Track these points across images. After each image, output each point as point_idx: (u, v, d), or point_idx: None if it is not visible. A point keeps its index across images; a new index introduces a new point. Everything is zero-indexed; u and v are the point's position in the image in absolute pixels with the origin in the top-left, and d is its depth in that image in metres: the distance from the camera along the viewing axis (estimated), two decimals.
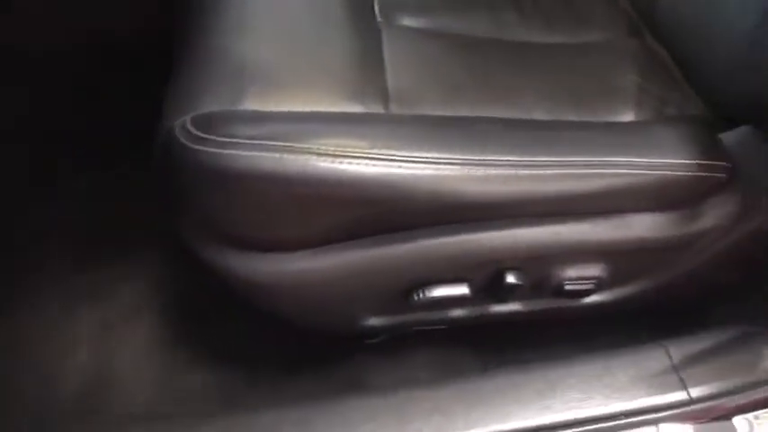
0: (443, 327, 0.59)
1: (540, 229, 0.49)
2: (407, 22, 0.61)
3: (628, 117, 0.56)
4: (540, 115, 0.53)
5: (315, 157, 0.41)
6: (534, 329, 0.63)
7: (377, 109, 0.49)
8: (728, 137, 0.52)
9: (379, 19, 0.60)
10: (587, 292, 0.55)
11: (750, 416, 0.47)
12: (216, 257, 0.48)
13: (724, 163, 0.50)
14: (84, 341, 0.65)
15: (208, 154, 0.41)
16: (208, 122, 0.43)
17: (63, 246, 0.72)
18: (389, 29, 0.59)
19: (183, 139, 0.42)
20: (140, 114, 0.54)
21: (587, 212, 0.49)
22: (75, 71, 0.82)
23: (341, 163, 0.42)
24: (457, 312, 0.56)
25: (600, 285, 0.55)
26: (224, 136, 0.42)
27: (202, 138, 0.42)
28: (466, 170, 0.44)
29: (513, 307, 0.56)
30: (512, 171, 0.44)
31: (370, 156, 0.42)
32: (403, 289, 0.50)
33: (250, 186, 0.42)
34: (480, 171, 0.44)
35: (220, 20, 0.55)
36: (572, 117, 0.54)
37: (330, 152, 0.42)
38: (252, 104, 0.46)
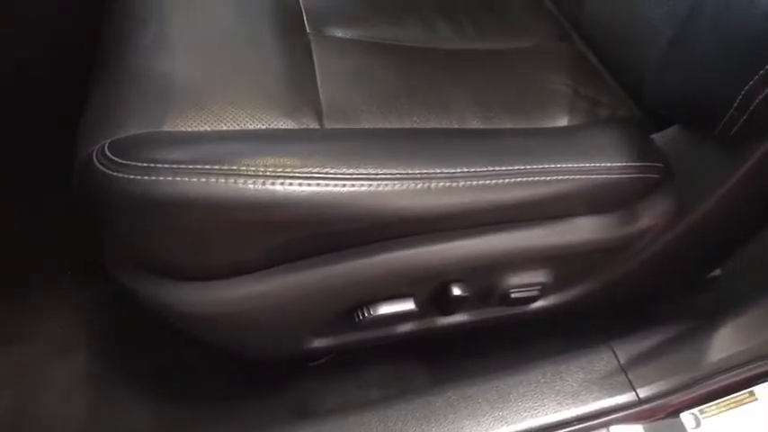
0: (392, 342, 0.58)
1: (483, 239, 0.48)
2: (338, 33, 0.59)
3: (562, 121, 0.56)
4: (475, 124, 0.52)
5: (243, 180, 0.39)
6: (484, 339, 0.62)
7: (310, 124, 0.47)
8: (660, 137, 0.53)
9: (308, 30, 0.58)
10: (533, 299, 0.55)
11: (696, 410, 0.48)
12: (147, 288, 0.45)
13: (657, 163, 0.50)
14: (4, 384, 0.60)
15: (128, 181, 0.38)
16: (127, 147, 0.40)
17: None
18: (319, 41, 0.57)
19: (101, 166, 0.39)
20: (57, 143, 0.50)
21: (528, 219, 0.49)
22: None
23: (272, 184, 0.40)
24: (404, 327, 0.54)
25: (545, 290, 0.55)
26: (145, 161, 0.39)
27: (122, 164, 0.39)
28: (404, 185, 0.42)
29: (460, 318, 0.55)
30: (451, 183, 0.43)
31: (302, 175, 0.40)
32: (347, 309, 0.49)
33: (175, 214, 0.39)
34: (419, 185, 0.43)
35: (140, 38, 0.51)
36: (507, 124, 0.54)
37: (259, 173, 0.39)
38: (175, 126, 0.43)
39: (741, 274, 0.69)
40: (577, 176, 0.47)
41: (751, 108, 0.42)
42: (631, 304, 0.62)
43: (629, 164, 0.49)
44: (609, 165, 0.48)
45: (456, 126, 0.51)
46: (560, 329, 0.61)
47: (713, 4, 0.46)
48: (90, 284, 0.66)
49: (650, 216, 0.52)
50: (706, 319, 0.53)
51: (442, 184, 0.43)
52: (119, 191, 0.38)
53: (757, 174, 0.49)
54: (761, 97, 0.41)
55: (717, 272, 0.69)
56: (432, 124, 0.51)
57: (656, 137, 0.54)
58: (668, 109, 0.52)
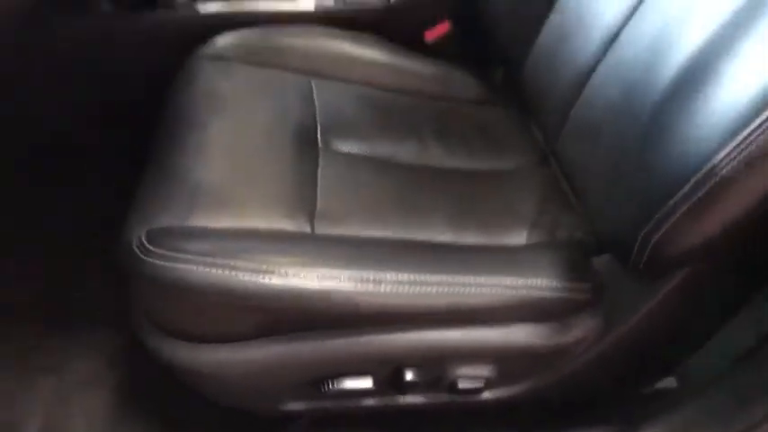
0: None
1: (433, 333, 0.58)
2: (343, 148, 0.73)
3: (522, 239, 0.66)
4: (444, 237, 0.64)
5: (237, 273, 0.51)
6: (440, 419, 0.70)
7: (304, 227, 0.60)
8: (598, 260, 0.62)
9: (319, 145, 0.72)
10: (479, 390, 0.63)
11: None
12: (155, 343, 0.57)
13: (587, 285, 0.60)
14: (32, 412, 0.72)
15: (155, 266, 0.51)
16: (159, 237, 0.53)
17: (22, 321, 0.80)
18: (327, 155, 0.71)
19: (137, 251, 0.52)
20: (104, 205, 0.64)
21: (474, 322, 0.59)
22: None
23: (264, 278, 0.52)
24: (367, 401, 0.64)
25: (490, 384, 0.64)
26: (171, 250, 0.52)
27: (152, 251, 0.52)
28: (365, 286, 0.53)
29: (414, 399, 0.65)
30: (404, 288, 0.54)
31: (289, 273, 0.52)
32: (314, 379, 0.59)
33: (185, 294, 0.52)
34: (378, 287, 0.54)
35: (184, 141, 0.66)
36: (471, 239, 0.64)
37: (253, 268, 0.52)
38: (198, 221, 0.57)
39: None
40: (513, 291, 0.57)
41: (650, 247, 0.51)
42: (571, 403, 0.69)
43: (559, 284, 0.58)
44: (542, 283, 0.58)
45: (422, 238, 0.63)
46: (508, 418, 0.69)
47: (632, 152, 0.56)
48: (117, 330, 0.79)
49: (581, 329, 0.61)
50: (633, 422, 0.60)
51: (395, 288, 0.54)
52: (147, 272, 0.52)
53: (674, 300, 0.58)
54: (657, 237, 0.50)
55: (670, 380, 0.76)
56: (407, 234, 0.63)
57: (596, 259, 0.63)
58: (603, 238, 0.62)
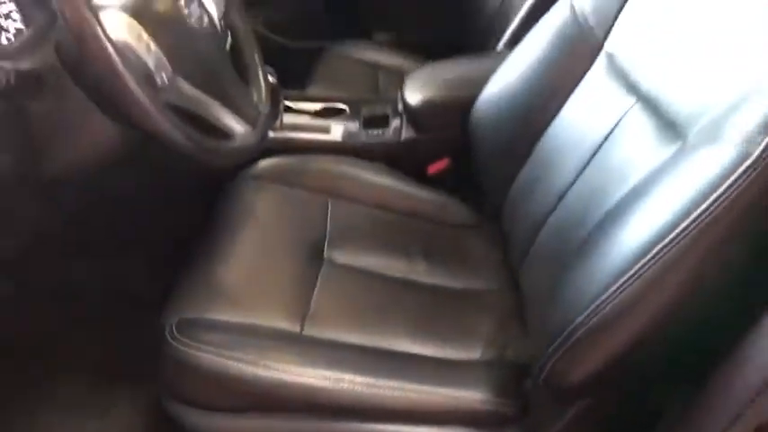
0: None
1: (384, 426, 0.73)
2: (344, 260, 0.91)
3: (476, 355, 0.81)
4: (408, 347, 0.79)
5: (239, 364, 0.69)
6: None
7: (295, 327, 0.78)
8: (530, 380, 0.76)
9: (324, 257, 0.91)
10: None
11: None
12: (173, 408, 0.75)
13: (515, 402, 0.73)
14: None
15: (178, 350, 0.70)
16: (186, 327, 0.73)
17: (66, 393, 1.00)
18: (328, 266, 0.89)
19: (169, 337, 0.71)
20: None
21: (417, 421, 0.73)
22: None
23: (257, 370, 0.69)
24: None
25: None
26: (192, 339, 0.71)
27: (179, 339, 0.71)
28: (334, 384, 0.70)
29: None
30: (362, 389, 0.70)
31: (276, 368, 0.70)
32: None
33: (196, 374, 0.70)
34: (345, 385, 0.70)
35: (215, 247, 0.86)
36: (430, 351, 0.80)
37: (251, 361, 0.69)
38: (215, 314, 0.76)
39: None
40: (449, 400, 0.71)
41: (548, 372, 0.64)
42: None
43: (490, 398, 0.72)
44: (474, 396, 0.72)
45: (389, 346, 0.78)
46: None
47: (554, 289, 0.70)
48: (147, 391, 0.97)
49: None
50: None
51: (353, 387, 0.70)
52: (174, 355, 0.70)
53: (582, 425, 0.70)
54: (551, 365, 0.63)
55: None
56: (377, 342, 0.78)
57: (529, 380, 0.77)
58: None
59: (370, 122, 1.17)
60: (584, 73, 0.86)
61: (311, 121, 1.18)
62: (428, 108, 1.08)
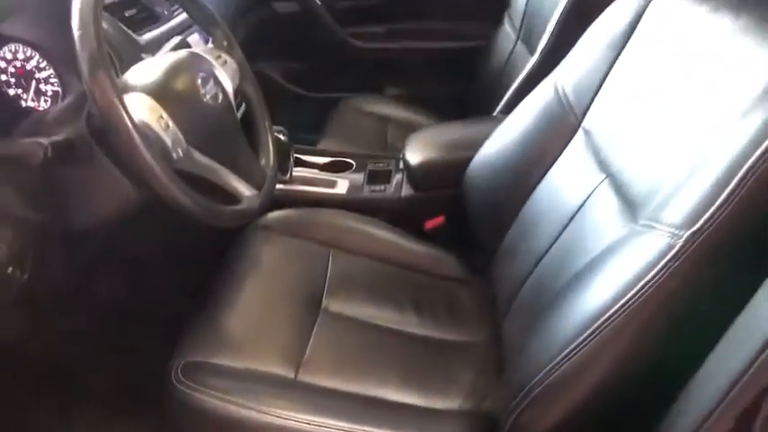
0: None
1: None
2: (340, 309, 0.98)
3: (454, 405, 0.86)
4: (391, 395, 0.85)
5: (238, 408, 0.76)
6: None
7: (290, 373, 0.85)
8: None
9: (322, 305, 0.98)
10: None
11: None
12: None
13: None
14: None
15: (183, 393, 0.77)
16: (190, 371, 0.80)
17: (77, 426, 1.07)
18: (324, 315, 0.96)
19: (174, 380, 0.79)
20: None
21: None
22: None
23: (254, 414, 0.76)
24: None
25: None
26: (196, 383, 0.78)
27: (183, 382, 0.78)
28: (313, 428, 0.76)
29: None
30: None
31: (271, 413, 0.76)
32: None
33: (199, 416, 0.77)
34: (322, 429, 0.76)
35: (223, 295, 0.94)
36: (411, 399, 0.85)
37: (249, 406, 0.76)
38: (218, 359, 0.83)
39: None
40: None
41: (509, 427, 0.69)
42: None
43: None
44: None
45: (373, 394, 0.85)
46: None
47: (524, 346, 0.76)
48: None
49: None
50: None
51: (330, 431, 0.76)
52: (179, 398, 0.78)
53: None
54: (513, 418, 0.69)
55: None
56: (363, 389, 0.85)
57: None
58: None
59: (373, 177, 1.26)
60: (565, 145, 0.93)
61: (319, 174, 1.27)
62: (426, 169, 1.16)
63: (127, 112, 0.64)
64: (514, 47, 1.59)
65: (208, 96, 0.77)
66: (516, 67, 1.52)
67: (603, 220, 0.75)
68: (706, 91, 0.66)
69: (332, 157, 1.34)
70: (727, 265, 0.55)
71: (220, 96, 0.79)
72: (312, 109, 1.81)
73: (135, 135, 0.63)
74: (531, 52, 1.43)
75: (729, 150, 0.55)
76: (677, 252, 0.54)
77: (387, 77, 1.94)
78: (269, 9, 1.83)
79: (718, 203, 0.53)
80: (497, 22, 1.70)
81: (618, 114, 0.83)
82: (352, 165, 1.30)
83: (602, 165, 0.82)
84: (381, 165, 1.30)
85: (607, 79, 0.88)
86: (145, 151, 0.64)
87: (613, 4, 0.91)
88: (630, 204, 0.71)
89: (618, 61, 0.86)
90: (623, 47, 0.86)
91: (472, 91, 1.75)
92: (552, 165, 0.95)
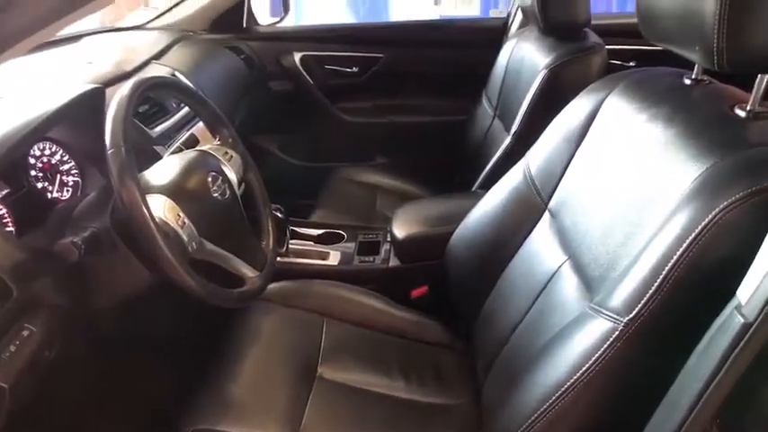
0: None
1: None
2: (333, 377, 1.06)
3: None
4: None
5: None
6: None
7: None
8: None
9: (317, 373, 1.06)
10: None
11: None
12: None
13: None
14: None
15: None
16: None
17: None
18: (319, 382, 1.05)
19: None
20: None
21: None
22: None
23: None
24: None
25: None
26: None
27: None
28: None
29: None
30: None
31: None
32: None
33: None
34: None
35: (225, 365, 1.02)
36: None
37: None
38: (221, 426, 0.91)
39: None
40: None
41: None
42: None
43: None
44: None
45: None
46: None
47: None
48: None
49: None
50: None
51: None
52: None
53: None
54: None
55: None
56: None
57: None
58: None
59: (363, 249, 1.36)
60: (534, 225, 1.05)
61: (313, 246, 1.37)
62: (411, 243, 1.27)
63: (150, 214, 0.74)
64: (492, 122, 1.74)
65: (217, 193, 0.88)
66: (494, 140, 1.66)
67: (565, 298, 0.85)
68: (645, 188, 0.78)
69: (325, 228, 1.45)
70: (661, 342, 0.65)
71: (228, 192, 0.90)
72: (307, 178, 1.93)
73: (157, 234, 0.74)
74: (506, 129, 1.57)
75: (660, 246, 0.66)
76: (618, 335, 0.64)
77: (376, 148, 2.08)
78: (265, 88, 1.98)
79: (650, 293, 0.63)
80: (476, 99, 1.86)
81: (577, 201, 0.95)
82: (343, 236, 1.40)
83: (565, 246, 0.93)
84: (371, 236, 1.41)
85: (568, 168, 1.00)
86: (165, 248, 0.74)
87: (573, 101, 1.04)
88: (587, 285, 0.82)
89: (577, 153, 0.99)
90: (581, 141, 0.99)
91: (455, 161, 1.88)
92: (523, 242, 1.06)
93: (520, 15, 1.96)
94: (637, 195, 0.79)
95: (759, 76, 0.72)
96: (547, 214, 1.03)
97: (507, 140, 1.45)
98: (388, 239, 1.36)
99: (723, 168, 0.65)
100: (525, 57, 1.59)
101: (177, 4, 1.86)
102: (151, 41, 1.64)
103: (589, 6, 1.46)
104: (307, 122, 2.05)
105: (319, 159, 2.05)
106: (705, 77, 0.86)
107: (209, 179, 0.87)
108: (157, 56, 1.51)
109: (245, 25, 1.95)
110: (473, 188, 1.49)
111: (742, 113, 0.74)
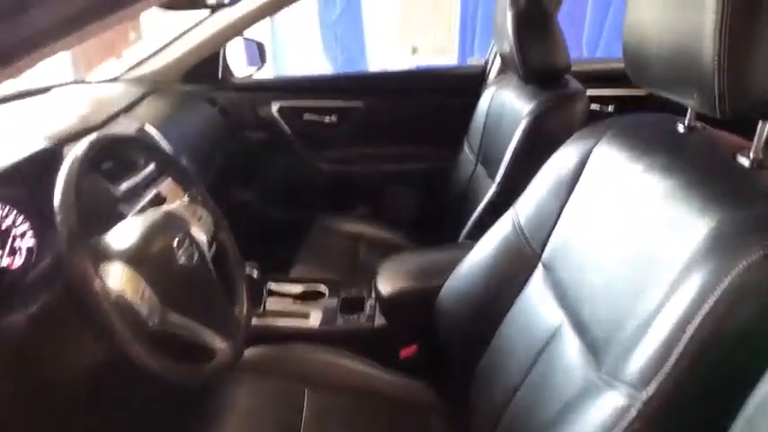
0: None
1: None
2: None
3: None
4: None
5: None
6: None
7: None
8: None
9: None
10: None
11: None
12: None
13: None
14: None
15: None
16: None
17: None
18: None
19: None
20: None
21: None
22: None
23: None
24: None
25: None
26: None
27: None
28: None
29: None
30: None
31: None
32: None
33: None
34: None
35: None
36: None
37: None
38: None
39: None
40: None
41: None
42: None
43: None
44: None
45: None
46: None
47: None
48: None
49: None
50: None
51: None
52: None
53: None
54: None
55: None
56: None
57: None
58: None
59: (347, 306, 1.28)
60: (528, 279, 0.98)
61: (292, 306, 1.29)
62: (398, 299, 1.20)
63: (103, 288, 0.66)
64: (475, 169, 1.70)
65: (184, 257, 0.80)
66: (478, 187, 1.62)
67: (569, 361, 0.78)
68: (648, 244, 0.72)
69: (305, 283, 1.37)
70: (685, 420, 0.58)
71: (195, 256, 0.82)
72: (286, 229, 1.86)
73: (110, 310, 0.66)
74: (490, 175, 1.53)
75: (675, 311, 0.59)
76: (637, 415, 0.57)
77: (357, 197, 2.03)
78: (242, 139, 1.92)
79: (669, 365, 0.57)
80: (457, 146, 1.82)
81: (572, 255, 0.89)
82: (325, 293, 1.32)
83: (563, 301, 0.87)
84: (354, 291, 1.33)
85: (560, 220, 0.95)
86: (119, 324, 0.66)
87: (560, 150, 1.00)
88: (592, 347, 0.75)
89: (568, 204, 0.94)
90: (572, 191, 0.94)
91: (439, 209, 1.83)
92: (517, 296, 0.99)
93: (498, 62, 1.96)
94: (639, 251, 0.74)
95: (760, 122, 0.68)
96: (540, 267, 0.97)
97: (492, 189, 1.41)
98: (373, 295, 1.29)
99: (735, 224, 0.60)
100: (506, 103, 1.56)
101: (150, 56, 1.81)
102: (121, 94, 1.59)
103: (568, 52, 1.45)
104: (285, 173, 2.00)
105: (299, 210, 1.98)
106: (698, 123, 0.83)
107: (175, 243, 0.80)
108: (127, 109, 1.44)
109: (220, 76, 1.91)
110: (460, 238, 1.43)
111: (745, 162, 0.69)
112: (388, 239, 1.77)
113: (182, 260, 0.80)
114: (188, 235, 0.83)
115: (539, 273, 0.97)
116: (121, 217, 1.03)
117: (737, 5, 0.59)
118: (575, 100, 1.41)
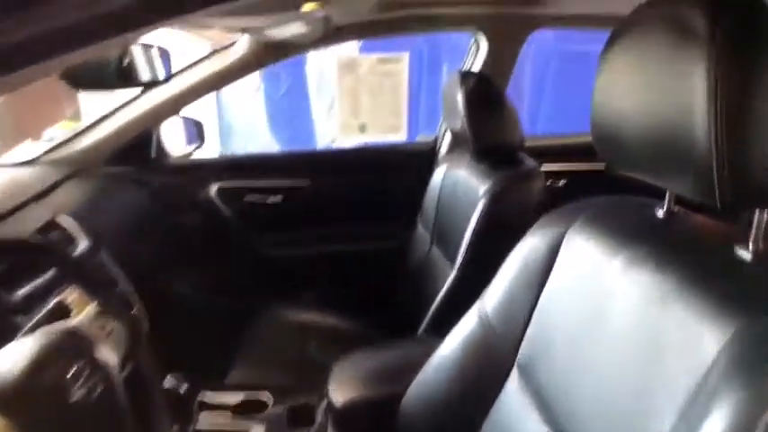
0: None
1: None
2: None
3: None
4: None
5: None
6: None
7: None
8: None
9: None
10: None
11: None
12: None
13: None
14: None
15: None
16: None
17: None
18: None
19: None
20: None
21: None
22: None
23: None
24: None
25: None
26: None
27: None
28: None
29: None
30: None
31: None
32: None
33: None
34: None
35: None
36: None
37: None
38: None
39: None
40: None
41: None
42: None
43: None
44: None
45: None
46: None
47: None
48: None
49: None
50: None
51: None
52: None
53: None
54: None
55: None
56: None
57: None
58: None
59: (295, 417, 1.11)
60: (503, 382, 0.86)
61: (230, 420, 1.10)
62: (352, 410, 1.04)
63: None
64: (430, 249, 1.60)
65: (82, 391, 0.63)
66: (435, 267, 1.51)
67: None
68: (645, 353, 0.62)
69: (245, 391, 1.19)
70: None
71: (99, 386, 0.66)
72: (225, 323, 1.68)
73: None
74: (448, 257, 1.43)
75: None
76: None
77: (304, 283, 1.87)
78: (176, 224, 1.76)
79: None
80: (410, 225, 1.73)
81: (552, 359, 0.78)
82: (267, 404, 1.15)
83: (548, 416, 0.74)
84: (303, 399, 1.16)
85: (533, 317, 0.84)
86: None
87: (526, 239, 0.90)
88: None
89: (541, 299, 0.83)
90: (543, 284, 0.83)
91: (393, 291, 1.71)
92: (493, 404, 0.86)
93: (449, 137, 1.91)
94: (637, 359, 0.63)
95: (758, 211, 0.60)
96: (515, 371, 0.84)
97: (452, 275, 1.30)
98: (325, 402, 1.12)
99: (759, 337, 0.50)
100: (459, 182, 1.49)
101: (74, 136, 1.66)
102: (36, 178, 1.42)
103: (522, 129, 1.41)
104: (225, 259, 1.83)
105: (239, 301, 1.80)
106: (677, 207, 0.75)
107: (71, 374, 0.63)
108: (39, 196, 1.28)
109: (153, 156, 1.77)
110: (420, 329, 1.30)
111: (746, 255, 0.61)
112: (340, 329, 1.62)
113: (78, 394, 0.63)
114: (91, 361, 0.66)
115: (514, 377, 0.84)
116: (17, 330, 0.85)
117: (731, 86, 0.52)
118: (531, 178, 1.35)
